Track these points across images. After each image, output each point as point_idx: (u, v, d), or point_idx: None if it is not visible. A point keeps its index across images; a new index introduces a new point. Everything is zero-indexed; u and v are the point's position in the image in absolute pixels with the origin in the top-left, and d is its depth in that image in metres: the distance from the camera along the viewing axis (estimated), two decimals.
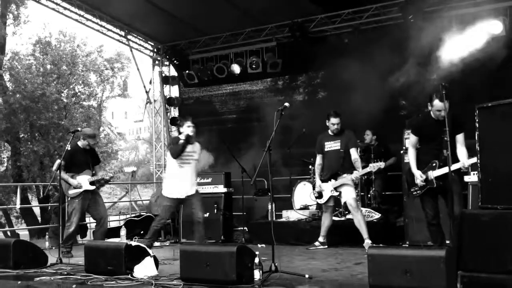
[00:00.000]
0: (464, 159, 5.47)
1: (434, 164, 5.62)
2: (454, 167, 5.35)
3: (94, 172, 7.78)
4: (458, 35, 9.38)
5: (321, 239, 7.52)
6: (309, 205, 9.12)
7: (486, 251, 3.28)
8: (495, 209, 3.40)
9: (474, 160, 5.21)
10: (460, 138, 5.56)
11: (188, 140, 6.80)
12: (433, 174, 5.62)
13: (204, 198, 8.78)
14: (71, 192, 7.51)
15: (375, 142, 9.43)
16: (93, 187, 7.66)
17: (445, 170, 5.40)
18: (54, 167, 7.50)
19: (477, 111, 3.61)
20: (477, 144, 3.61)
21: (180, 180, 6.91)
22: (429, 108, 5.61)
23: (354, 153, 7.16)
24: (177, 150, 6.77)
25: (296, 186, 9.54)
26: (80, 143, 7.76)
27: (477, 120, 3.60)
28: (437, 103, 5.44)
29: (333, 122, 7.23)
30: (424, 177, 5.66)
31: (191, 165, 6.95)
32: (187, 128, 6.82)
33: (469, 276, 3.23)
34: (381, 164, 6.96)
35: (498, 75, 8.92)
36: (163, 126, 13.42)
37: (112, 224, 14.07)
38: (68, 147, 7.34)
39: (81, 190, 7.51)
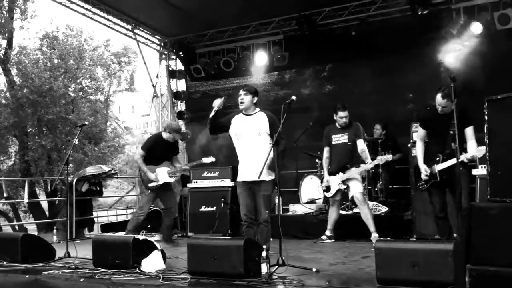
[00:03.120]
0: (470, 151, 5.46)
1: (438, 158, 5.63)
2: (455, 161, 5.33)
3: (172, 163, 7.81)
4: (466, 27, 9.33)
5: (328, 232, 7.51)
6: (316, 199, 9.11)
7: (495, 245, 3.26)
8: (504, 202, 3.38)
9: (473, 153, 5.23)
10: (469, 131, 5.55)
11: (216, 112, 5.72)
12: (436, 168, 5.62)
13: (211, 192, 8.85)
14: (151, 185, 7.51)
15: (384, 137, 9.39)
16: (172, 180, 7.70)
17: (447, 164, 5.43)
18: (137, 157, 7.58)
19: (486, 104, 3.58)
20: (486, 137, 3.58)
21: (240, 159, 5.77)
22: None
23: (361, 144, 7.11)
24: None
25: (303, 179, 9.52)
26: (165, 135, 7.69)
27: (486, 112, 3.57)
28: (438, 98, 5.45)
29: (341, 116, 7.18)
30: (428, 171, 5.66)
31: (248, 141, 5.63)
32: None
33: (477, 269, 3.21)
34: (389, 157, 6.92)
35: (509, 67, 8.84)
36: (170, 120, 13.40)
37: (120, 218, 14.15)
38: (76, 141, 7.37)
39: (160, 183, 7.51)
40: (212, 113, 5.73)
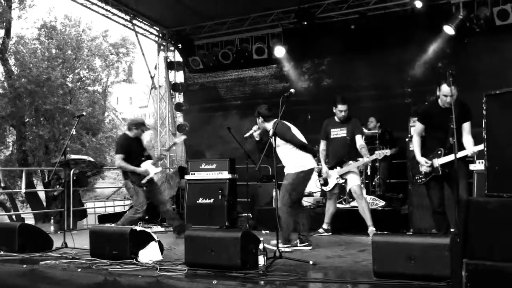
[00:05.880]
0: (470, 147, 5.46)
1: (439, 152, 5.61)
2: (460, 154, 5.36)
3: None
4: (464, 21, 9.32)
5: (325, 226, 7.52)
6: (313, 192, 9.11)
7: (492, 239, 3.26)
8: (501, 197, 3.38)
9: (480, 147, 5.21)
10: (466, 126, 5.55)
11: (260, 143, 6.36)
12: (438, 161, 5.61)
13: (209, 184, 8.85)
14: (144, 181, 7.44)
15: (379, 130, 9.40)
16: (159, 169, 7.84)
17: (450, 157, 5.40)
18: (118, 162, 7.44)
19: (484, 99, 3.57)
20: (484, 132, 3.57)
21: None
22: (437, 93, 5.58)
23: (360, 140, 7.08)
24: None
25: None
26: (131, 134, 7.56)
27: (484, 107, 3.56)
28: (444, 87, 5.41)
29: (341, 109, 7.11)
30: (429, 162, 5.65)
31: (278, 153, 6.27)
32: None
33: (474, 263, 3.22)
34: (387, 152, 6.92)
35: (507, 62, 8.85)
36: (168, 111, 13.37)
37: (117, 209, 14.15)
38: (74, 131, 7.30)
39: (151, 175, 7.49)
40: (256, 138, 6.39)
